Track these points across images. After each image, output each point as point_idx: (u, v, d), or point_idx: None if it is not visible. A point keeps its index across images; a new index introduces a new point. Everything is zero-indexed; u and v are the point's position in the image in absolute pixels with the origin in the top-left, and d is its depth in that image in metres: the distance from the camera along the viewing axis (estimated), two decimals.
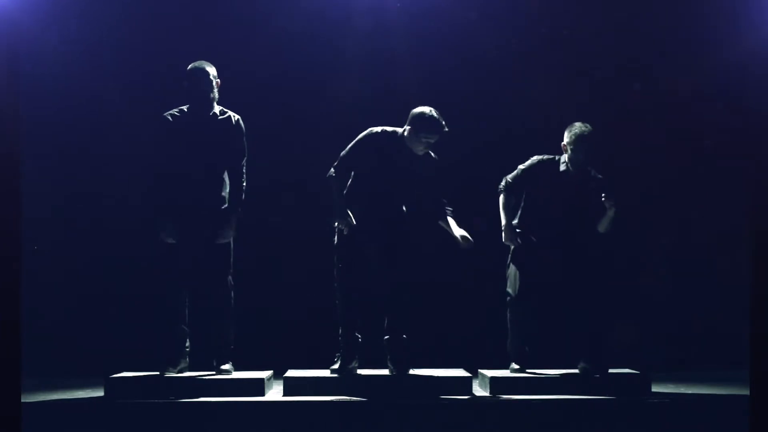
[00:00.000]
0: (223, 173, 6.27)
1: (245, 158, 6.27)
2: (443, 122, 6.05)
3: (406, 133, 6.12)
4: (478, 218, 6.68)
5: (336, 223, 6.12)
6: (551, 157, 6.40)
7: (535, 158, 6.42)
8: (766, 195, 4.87)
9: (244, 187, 6.26)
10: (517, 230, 6.40)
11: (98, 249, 7.70)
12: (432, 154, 6.26)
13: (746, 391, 5.14)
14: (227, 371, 6.19)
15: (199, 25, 7.66)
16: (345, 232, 6.07)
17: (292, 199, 7.57)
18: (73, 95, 7.66)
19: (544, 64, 7.81)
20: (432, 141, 6.09)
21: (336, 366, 6.18)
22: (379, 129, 6.19)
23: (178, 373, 6.15)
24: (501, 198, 6.45)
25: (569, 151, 6.28)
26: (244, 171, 6.27)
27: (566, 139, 6.29)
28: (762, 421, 4.75)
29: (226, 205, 6.22)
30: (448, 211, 6.30)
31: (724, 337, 7.66)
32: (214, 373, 6.18)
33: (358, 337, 6.24)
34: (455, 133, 7.64)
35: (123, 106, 7.55)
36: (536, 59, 7.81)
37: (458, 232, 6.20)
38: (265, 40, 7.70)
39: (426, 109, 6.09)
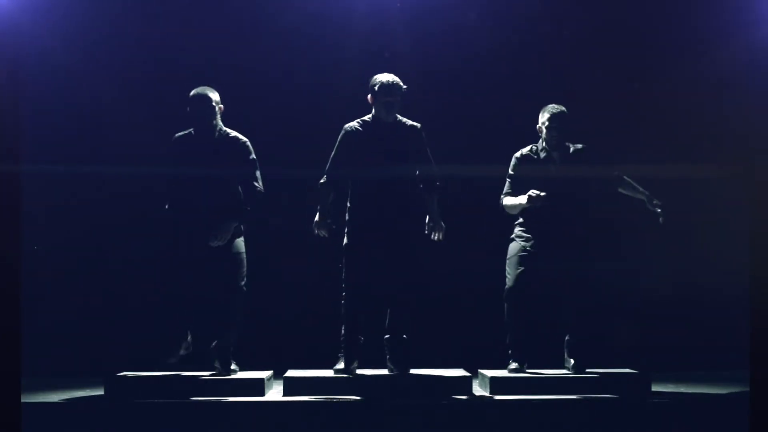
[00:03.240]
0: (232, 191, 6.29)
1: (257, 171, 6.27)
2: (399, 82, 6.21)
3: (373, 106, 6.26)
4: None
5: (315, 230, 6.24)
6: (528, 148, 6.50)
7: (514, 157, 6.51)
8: (766, 195, 4.87)
9: (255, 199, 6.24)
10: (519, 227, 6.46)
11: (98, 249, 7.70)
12: (411, 123, 6.32)
13: (746, 391, 5.14)
14: (234, 371, 6.22)
15: (199, 26, 7.64)
16: (322, 235, 6.23)
17: (292, 199, 7.56)
18: (75, 95, 7.65)
19: (544, 63, 7.80)
20: (391, 100, 6.20)
21: (340, 366, 6.19)
22: (352, 123, 6.33)
23: (184, 350, 6.19)
24: (505, 200, 6.50)
25: (544, 132, 6.40)
26: (256, 184, 6.25)
27: (540, 120, 6.44)
28: (762, 421, 4.75)
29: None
30: (436, 189, 6.29)
31: (724, 337, 7.65)
32: (214, 373, 6.19)
33: (360, 339, 6.26)
34: (456, 132, 7.70)
35: (125, 106, 7.54)
36: (536, 59, 7.80)
37: (432, 221, 6.24)
38: (265, 41, 7.69)
39: (379, 75, 6.25)
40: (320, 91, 7.73)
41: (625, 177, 6.49)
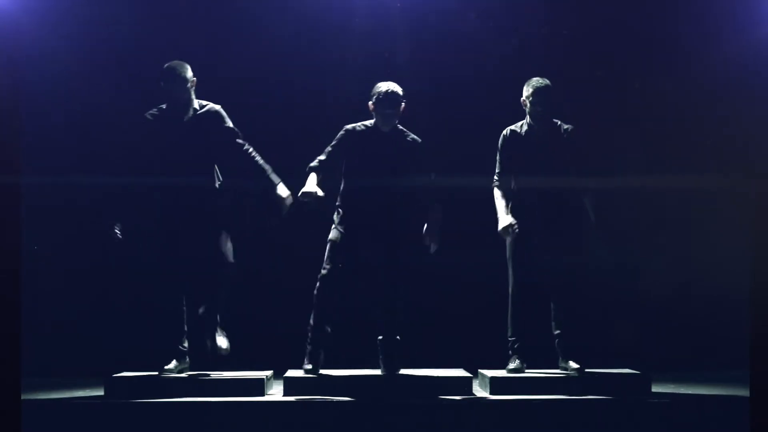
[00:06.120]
0: (212, 167, 6.26)
1: (240, 137, 6.25)
2: (399, 94, 6.14)
3: (373, 114, 6.22)
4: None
5: (301, 198, 6.10)
6: (516, 124, 6.45)
7: (502, 135, 6.47)
8: (767, 194, 4.87)
9: (259, 159, 6.22)
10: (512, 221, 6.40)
11: (98, 249, 7.69)
12: (413, 137, 6.28)
13: (746, 391, 5.15)
14: (225, 350, 6.16)
15: (199, 27, 7.65)
16: (306, 201, 6.06)
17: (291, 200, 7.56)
18: (74, 95, 7.66)
19: (544, 64, 7.79)
20: (390, 113, 6.15)
21: (309, 366, 6.11)
22: (354, 124, 6.29)
23: (178, 372, 6.16)
24: (495, 192, 6.47)
25: (528, 105, 6.36)
26: (247, 147, 6.24)
27: (524, 94, 6.37)
28: (762, 421, 4.76)
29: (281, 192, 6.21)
30: (434, 205, 6.25)
31: (724, 337, 7.66)
32: (212, 374, 6.18)
33: (328, 330, 6.18)
34: (455, 133, 7.70)
35: (123, 106, 7.54)
36: (536, 59, 7.80)
37: (430, 233, 6.18)
38: (266, 41, 7.69)
39: (380, 84, 6.19)
40: (320, 93, 7.73)
41: (588, 198, 6.36)
